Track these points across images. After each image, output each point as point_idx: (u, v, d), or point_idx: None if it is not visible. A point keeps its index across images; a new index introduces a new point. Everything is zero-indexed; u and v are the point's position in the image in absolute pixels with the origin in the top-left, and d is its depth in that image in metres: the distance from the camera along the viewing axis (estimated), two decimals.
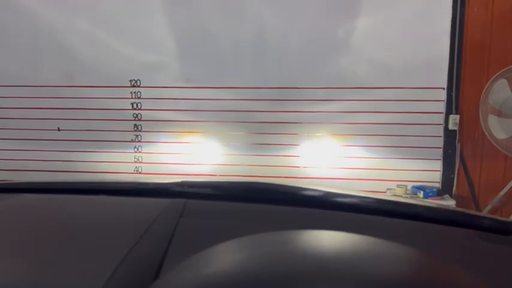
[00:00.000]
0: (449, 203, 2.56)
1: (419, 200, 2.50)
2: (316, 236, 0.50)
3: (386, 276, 0.38)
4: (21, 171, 2.91)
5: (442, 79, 2.65)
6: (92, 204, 0.76)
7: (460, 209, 0.90)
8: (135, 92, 2.83)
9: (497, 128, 2.44)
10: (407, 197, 2.58)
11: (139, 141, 2.88)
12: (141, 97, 2.83)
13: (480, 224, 0.70)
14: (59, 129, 2.88)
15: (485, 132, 2.50)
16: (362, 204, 0.73)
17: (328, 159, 2.78)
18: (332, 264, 0.41)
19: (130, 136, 2.87)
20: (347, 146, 2.76)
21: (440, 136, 2.69)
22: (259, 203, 0.74)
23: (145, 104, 2.84)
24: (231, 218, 0.68)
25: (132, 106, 2.84)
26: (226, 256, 0.46)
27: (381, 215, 0.68)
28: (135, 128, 2.87)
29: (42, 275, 0.51)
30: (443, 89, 2.65)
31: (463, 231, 0.67)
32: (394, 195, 2.59)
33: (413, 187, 2.68)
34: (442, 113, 2.67)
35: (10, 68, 2.86)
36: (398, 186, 2.68)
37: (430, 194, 2.60)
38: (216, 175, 2.82)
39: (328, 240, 0.49)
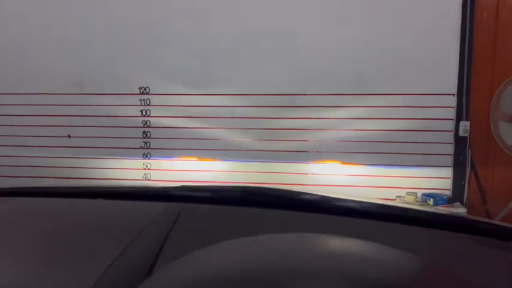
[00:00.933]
0: (459, 210, 2.52)
1: (423, 206, 2.47)
2: (306, 239, 0.50)
3: (370, 277, 0.38)
4: (33, 178, 2.94)
5: (452, 85, 2.62)
6: (89, 208, 0.77)
7: (462, 215, 0.89)
8: (144, 99, 2.85)
9: (508, 135, 2.41)
10: (416, 205, 2.55)
11: (148, 148, 2.90)
12: (150, 104, 2.86)
13: (481, 229, 0.70)
14: (69, 136, 2.92)
15: (496, 139, 2.47)
16: (360, 208, 0.73)
17: (337, 166, 2.76)
18: (316, 264, 0.40)
19: (139, 143, 2.89)
20: (356, 152, 2.74)
21: (451, 143, 2.66)
22: (257, 207, 0.74)
23: (154, 111, 2.86)
24: (226, 222, 0.68)
25: (142, 113, 2.87)
26: (215, 257, 0.46)
27: (379, 220, 0.68)
28: (144, 135, 2.89)
29: (34, 275, 0.51)
30: (453, 95, 2.63)
31: (464, 236, 0.66)
32: (404, 202, 2.56)
33: (424, 194, 2.65)
34: (452, 119, 2.64)
35: (21, 77, 2.91)
36: (408, 193, 2.65)
37: (440, 202, 2.56)
38: (224, 182, 2.82)
39: (317, 242, 0.48)
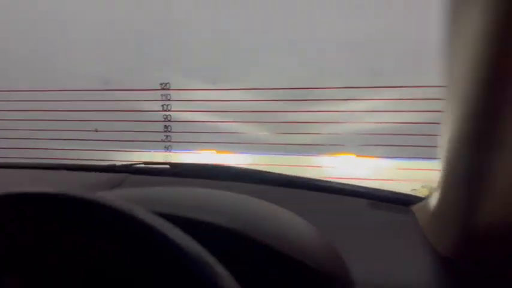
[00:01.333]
0: None
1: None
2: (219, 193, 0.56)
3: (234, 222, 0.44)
4: None
5: None
6: (48, 176, 0.85)
7: (369, 187, 0.96)
8: (164, 95, 2.98)
9: None
10: None
11: (169, 141, 3.03)
12: (171, 99, 2.98)
13: (384, 196, 0.76)
14: (96, 130, 3.09)
15: None
16: (273, 179, 0.81)
17: (352, 159, 2.77)
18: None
19: (161, 136, 3.03)
20: (371, 145, 2.74)
21: None
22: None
23: (174, 106, 2.98)
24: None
25: (163, 108, 2.99)
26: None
27: (292, 188, 0.75)
28: (165, 129, 3.02)
29: None
30: None
31: (366, 202, 0.72)
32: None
33: None
34: None
35: (53, 75, 3.10)
36: (422, 186, 2.62)
37: None
38: None
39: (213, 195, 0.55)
